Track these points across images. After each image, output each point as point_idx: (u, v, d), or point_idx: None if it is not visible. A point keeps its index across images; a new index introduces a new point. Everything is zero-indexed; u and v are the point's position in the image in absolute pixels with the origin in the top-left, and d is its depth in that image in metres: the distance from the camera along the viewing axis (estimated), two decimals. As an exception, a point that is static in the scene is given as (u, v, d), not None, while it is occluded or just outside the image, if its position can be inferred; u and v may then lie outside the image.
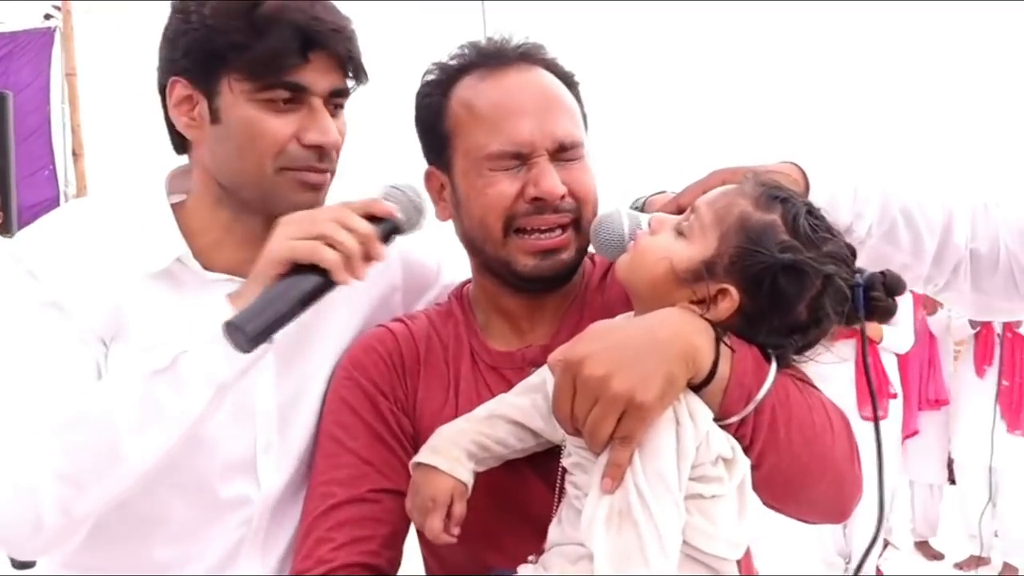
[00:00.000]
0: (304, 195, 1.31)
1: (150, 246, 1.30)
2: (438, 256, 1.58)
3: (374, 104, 1.43)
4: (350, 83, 1.32)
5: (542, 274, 1.30)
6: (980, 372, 5.36)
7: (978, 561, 5.45)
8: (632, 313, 1.22)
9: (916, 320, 5.37)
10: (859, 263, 1.18)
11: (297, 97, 1.26)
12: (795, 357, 1.18)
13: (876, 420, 1.20)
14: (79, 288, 1.24)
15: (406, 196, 1.27)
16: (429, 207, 1.32)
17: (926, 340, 5.57)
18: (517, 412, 1.22)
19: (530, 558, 1.18)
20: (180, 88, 1.28)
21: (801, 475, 1.13)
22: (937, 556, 5.73)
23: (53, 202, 7.60)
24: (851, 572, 5.16)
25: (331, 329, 1.42)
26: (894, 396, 5.10)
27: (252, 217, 1.34)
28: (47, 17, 8.09)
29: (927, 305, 5.46)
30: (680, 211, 1.24)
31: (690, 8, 7.54)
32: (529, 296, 1.35)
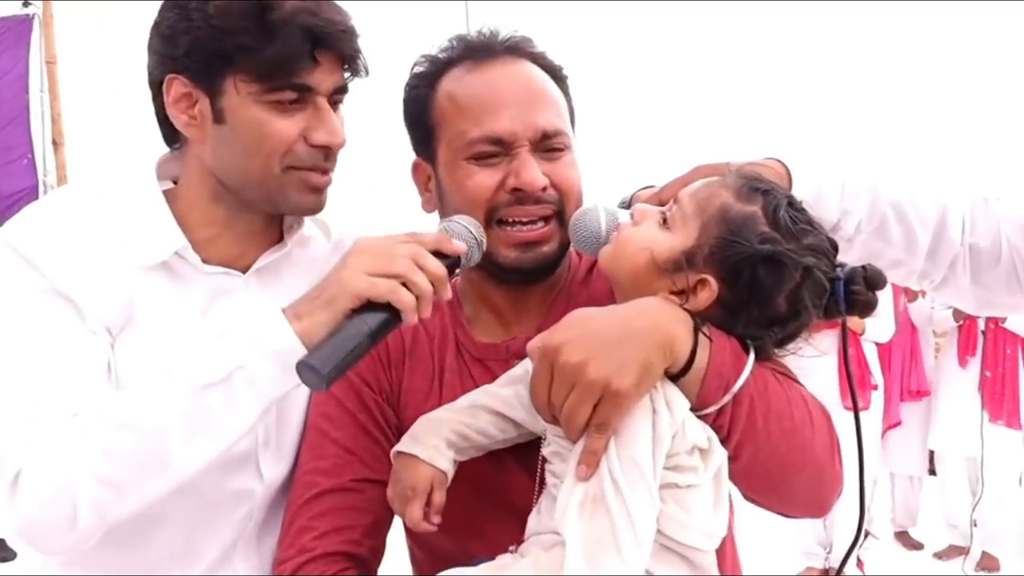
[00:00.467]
0: (309, 197, 1.31)
1: (148, 238, 1.30)
2: None
3: (357, 100, 1.42)
4: (348, 76, 1.32)
5: (523, 266, 1.30)
6: (963, 363, 5.40)
7: (958, 551, 5.50)
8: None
9: (897, 310, 5.41)
10: (851, 260, 1.19)
11: (303, 97, 1.26)
12: (777, 350, 1.18)
13: (856, 413, 1.20)
14: (83, 278, 1.24)
15: (467, 231, 1.26)
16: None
17: (908, 331, 5.61)
18: (499, 403, 1.22)
19: (511, 548, 1.19)
20: (179, 85, 1.26)
21: (780, 467, 1.13)
22: (917, 546, 5.77)
23: (32, 191, 7.53)
24: (831, 563, 5.20)
25: None
26: (875, 387, 5.14)
27: (251, 214, 1.35)
28: (26, 4, 7.99)
29: (908, 292, 5.49)
30: (662, 205, 1.24)
31: (679, 5, 7.52)
32: (513, 288, 1.35)
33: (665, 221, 1.17)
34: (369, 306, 1.15)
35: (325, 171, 1.31)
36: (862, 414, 1.28)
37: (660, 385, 1.07)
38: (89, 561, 1.32)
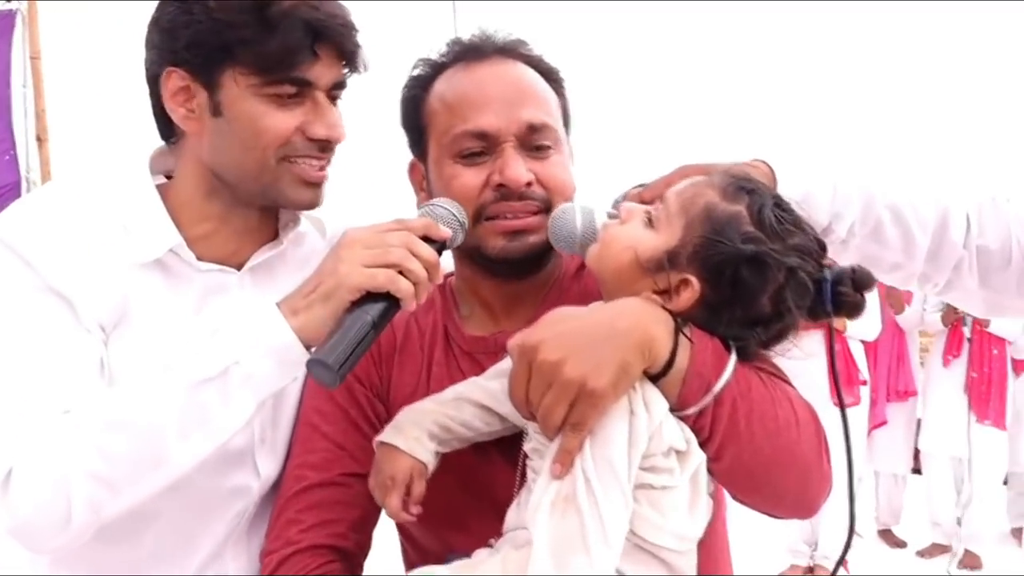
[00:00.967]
0: (304, 191, 1.31)
1: (142, 234, 1.29)
2: None
3: (350, 99, 1.42)
4: (346, 72, 1.32)
5: (510, 255, 1.30)
6: (946, 363, 5.43)
7: (940, 549, 5.54)
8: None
9: (884, 309, 5.43)
10: (848, 264, 1.18)
11: (302, 91, 1.26)
12: (763, 351, 1.17)
13: (843, 412, 1.20)
14: (77, 275, 1.23)
15: (450, 213, 1.26)
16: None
17: (894, 331, 5.63)
18: (485, 396, 1.22)
19: (491, 541, 1.19)
20: (177, 79, 1.26)
21: (764, 468, 1.12)
22: (900, 544, 5.80)
23: (14, 188, 7.46)
24: (816, 561, 5.22)
25: None
26: (864, 383, 5.16)
27: (247, 210, 1.34)
28: (9, -2, 7.92)
29: (894, 305, 5.51)
30: (646, 204, 1.23)
31: (671, 6, 7.46)
32: (503, 281, 1.35)
33: (650, 220, 1.16)
34: (368, 297, 1.15)
35: (321, 164, 1.31)
36: (851, 410, 1.28)
37: (639, 386, 1.06)
38: (80, 558, 1.31)
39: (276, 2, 1.21)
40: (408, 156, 1.43)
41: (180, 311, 1.31)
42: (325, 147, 1.30)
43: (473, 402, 1.22)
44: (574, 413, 1.04)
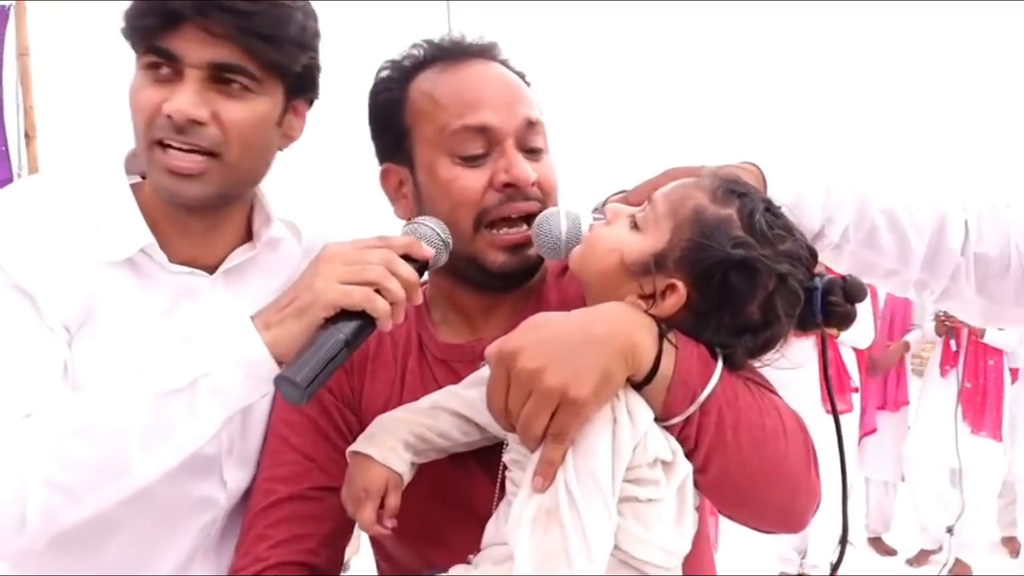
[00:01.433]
0: (172, 181, 1.22)
1: (113, 233, 1.25)
2: None
3: (342, 106, 1.38)
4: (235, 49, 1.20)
5: (511, 270, 1.27)
6: (943, 372, 5.42)
7: (927, 554, 5.52)
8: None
9: (876, 317, 5.41)
10: (842, 271, 1.15)
11: (175, 68, 1.20)
12: (751, 361, 1.14)
13: (836, 418, 1.18)
14: (45, 273, 1.19)
15: (434, 232, 1.22)
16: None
17: (887, 339, 5.62)
18: (463, 405, 1.18)
19: (469, 557, 1.15)
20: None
21: (751, 480, 1.09)
22: (890, 552, 5.79)
23: (6, 184, 7.42)
24: (805, 569, 5.19)
25: None
26: (856, 390, 5.15)
27: (215, 212, 1.30)
28: (0, -5, 7.86)
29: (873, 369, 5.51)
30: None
31: (659, 6, 7.41)
32: (490, 292, 1.32)
33: (637, 222, 1.13)
34: (343, 314, 1.11)
35: (183, 149, 1.21)
36: (842, 418, 1.25)
37: (622, 394, 1.02)
38: (42, 565, 1.27)
39: None
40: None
41: (149, 313, 1.27)
42: (181, 129, 1.19)
43: (450, 411, 1.18)
44: (555, 423, 1.00)
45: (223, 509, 1.36)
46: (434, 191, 1.27)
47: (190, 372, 1.12)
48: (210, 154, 1.22)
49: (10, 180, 8.06)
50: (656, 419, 1.04)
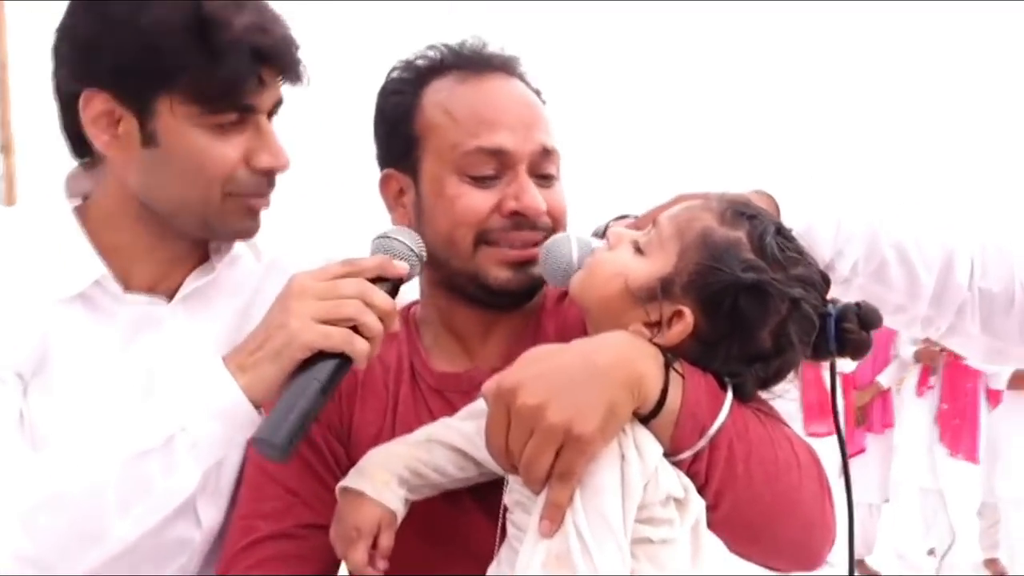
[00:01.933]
0: (249, 223, 1.22)
1: (62, 267, 1.17)
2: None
3: (342, 105, 1.33)
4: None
5: (514, 287, 1.21)
6: (920, 392, 5.43)
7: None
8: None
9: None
10: None
11: (243, 117, 1.16)
12: (762, 392, 1.10)
13: (842, 443, 1.15)
14: None
15: (406, 247, 1.16)
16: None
17: (871, 361, 5.61)
18: (459, 438, 1.12)
19: None
20: (99, 102, 1.13)
21: (764, 515, 1.04)
22: (872, 575, 5.77)
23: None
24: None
25: None
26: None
27: (181, 239, 1.23)
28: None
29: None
30: None
31: (665, 15, 7.29)
32: (486, 313, 1.26)
33: (640, 246, 1.08)
34: (318, 354, 1.06)
35: (264, 195, 1.22)
36: (825, 441, 1.22)
37: (629, 428, 0.97)
38: None
39: (222, 28, 1.10)
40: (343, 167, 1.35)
41: (107, 349, 1.20)
42: (271, 179, 1.21)
43: (446, 445, 1.12)
44: (560, 462, 0.95)
45: (199, 550, 1.29)
46: (436, 205, 1.22)
47: (164, 428, 1.06)
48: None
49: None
50: (664, 454, 0.99)
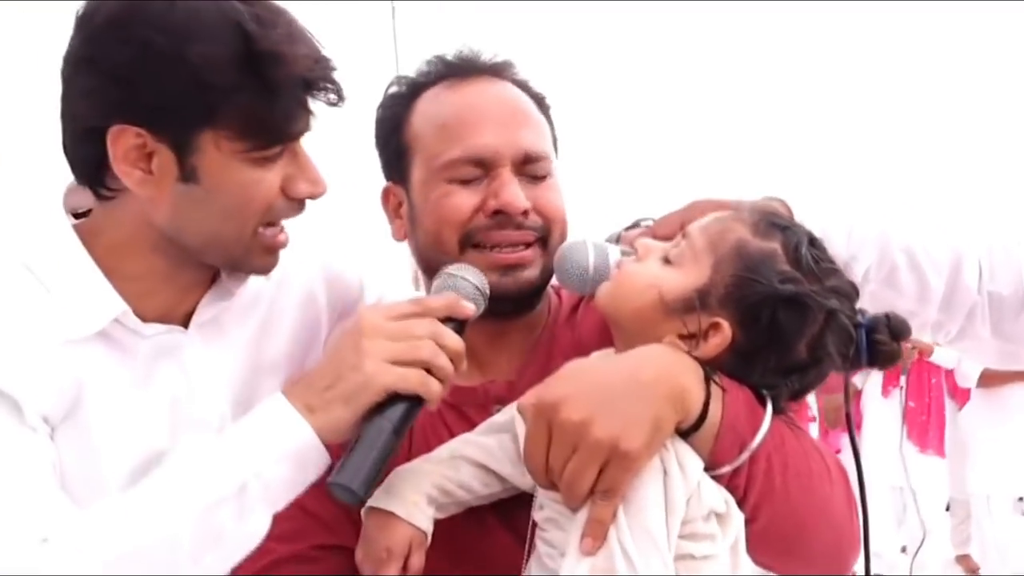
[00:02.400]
0: (271, 259, 1.17)
1: (78, 303, 1.09)
2: (359, 272, 1.44)
3: None
4: None
5: (504, 291, 1.19)
6: (886, 392, 5.49)
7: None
8: (610, 350, 1.12)
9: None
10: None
11: (285, 146, 1.11)
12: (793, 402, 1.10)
13: (858, 462, 1.13)
14: (13, 363, 1.04)
15: (472, 287, 1.14)
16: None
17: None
18: (482, 454, 1.11)
19: None
20: (132, 137, 1.04)
21: (799, 527, 1.04)
22: (847, 575, 5.81)
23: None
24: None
25: (276, 367, 1.28)
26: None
27: (197, 266, 1.17)
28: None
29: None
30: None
31: (671, 17, 7.15)
32: (491, 324, 1.23)
33: (670, 258, 1.07)
34: (390, 396, 1.03)
35: (293, 218, 1.17)
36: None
37: (670, 443, 0.96)
38: None
39: (277, 63, 1.03)
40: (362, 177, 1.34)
41: (129, 384, 1.14)
42: (304, 205, 1.16)
43: (470, 461, 1.11)
44: (604, 479, 0.94)
45: None
46: (424, 210, 1.23)
47: (237, 474, 1.01)
48: None
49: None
50: (703, 468, 0.99)
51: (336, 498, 1.02)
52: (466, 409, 1.23)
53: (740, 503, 1.01)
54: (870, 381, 5.68)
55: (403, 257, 1.48)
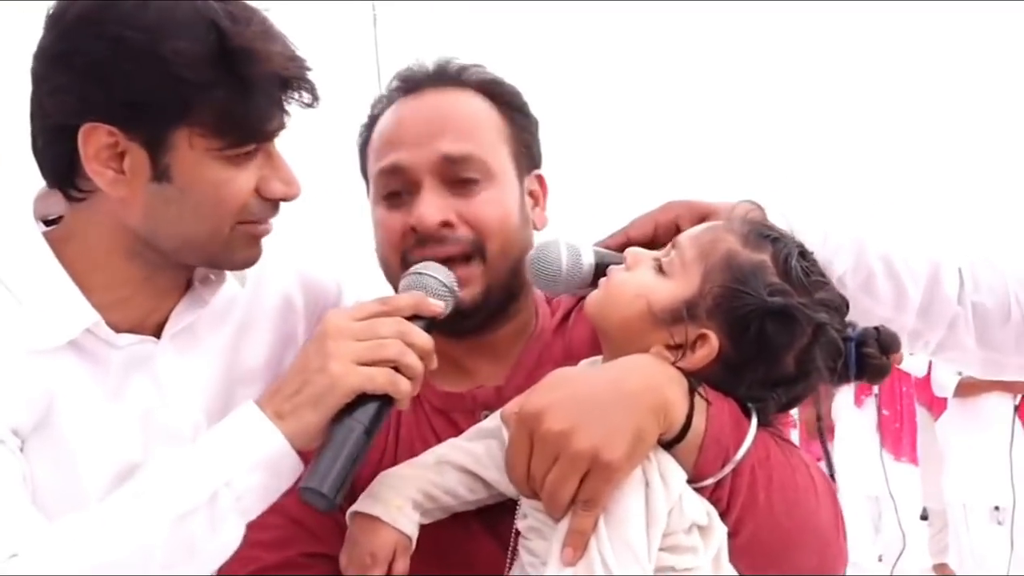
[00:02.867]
0: (253, 250, 1.15)
1: (49, 313, 1.07)
2: (337, 276, 1.43)
3: None
4: None
5: (454, 312, 1.16)
6: (859, 402, 5.51)
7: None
8: (598, 358, 1.11)
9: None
10: None
11: (258, 146, 1.09)
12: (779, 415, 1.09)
13: (831, 473, 1.14)
14: None
15: (439, 283, 1.13)
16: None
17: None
18: (469, 459, 1.10)
19: None
20: (103, 135, 1.03)
21: (783, 542, 1.03)
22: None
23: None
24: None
25: (252, 376, 1.26)
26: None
27: (172, 271, 1.16)
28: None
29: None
30: (629, 245, 1.15)
31: (655, 20, 7.12)
32: (466, 338, 1.23)
33: (661, 267, 1.07)
34: (359, 397, 1.02)
35: (268, 220, 1.15)
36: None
37: (653, 455, 0.96)
38: None
39: (252, 60, 1.02)
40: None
41: (101, 395, 1.11)
42: (278, 205, 1.15)
43: (457, 466, 1.10)
44: (585, 489, 0.93)
45: None
46: (374, 231, 1.25)
47: (208, 484, 1.00)
48: None
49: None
50: (687, 481, 0.98)
51: (308, 503, 1.00)
52: (454, 415, 1.22)
53: (723, 516, 1.00)
54: (841, 391, 5.72)
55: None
